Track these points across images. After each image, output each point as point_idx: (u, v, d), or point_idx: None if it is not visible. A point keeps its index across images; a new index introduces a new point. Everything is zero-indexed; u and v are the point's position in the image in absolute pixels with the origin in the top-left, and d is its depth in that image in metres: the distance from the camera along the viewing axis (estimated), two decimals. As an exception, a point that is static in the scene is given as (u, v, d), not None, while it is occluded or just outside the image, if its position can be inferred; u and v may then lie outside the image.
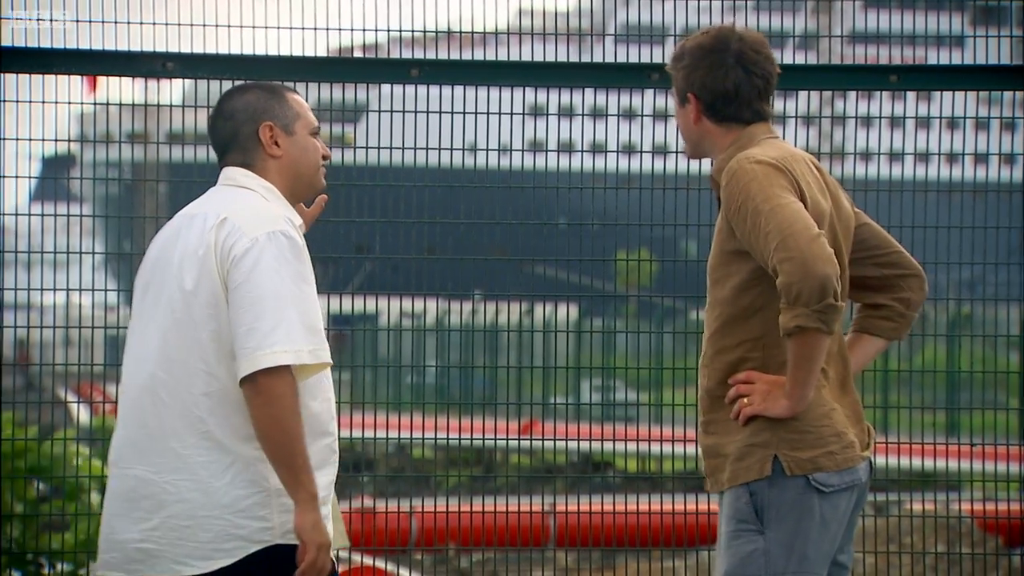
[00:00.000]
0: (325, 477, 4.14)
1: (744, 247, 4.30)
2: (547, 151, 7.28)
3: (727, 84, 4.45)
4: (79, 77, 6.61)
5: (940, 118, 7.19)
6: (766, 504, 4.29)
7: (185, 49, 6.56)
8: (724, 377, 4.37)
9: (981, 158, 7.54)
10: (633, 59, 6.90)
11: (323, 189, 4.36)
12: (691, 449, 7.69)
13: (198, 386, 4.07)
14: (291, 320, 4.00)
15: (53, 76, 6.53)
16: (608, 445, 7.41)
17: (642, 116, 7.15)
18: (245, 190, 4.24)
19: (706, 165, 5.01)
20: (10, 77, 6.50)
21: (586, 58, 7.02)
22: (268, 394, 3.97)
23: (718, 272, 4.40)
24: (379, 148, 6.80)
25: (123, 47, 6.52)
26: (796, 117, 7.22)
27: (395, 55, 7.37)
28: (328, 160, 4.37)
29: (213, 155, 7.05)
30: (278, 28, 6.64)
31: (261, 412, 3.99)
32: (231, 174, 4.30)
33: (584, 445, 7.48)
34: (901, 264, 4.57)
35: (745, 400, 4.32)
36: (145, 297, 4.23)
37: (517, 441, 7.57)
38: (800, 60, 7.49)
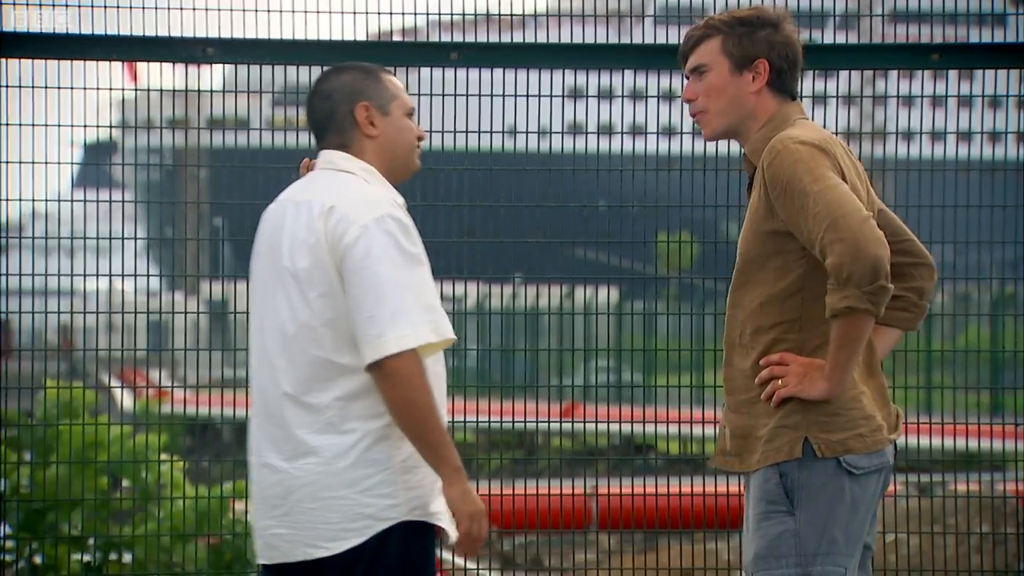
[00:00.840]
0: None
1: (784, 227, 4.27)
2: (587, 133, 7.27)
3: (796, 54, 4.44)
4: (119, 63, 6.64)
5: (983, 97, 7.15)
6: (797, 485, 4.28)
7: (225, 34, 6.57)
8: (758, 358, 4.36)
9: (1023, 137, 7.49)
10: (673, 40, 6.88)
11: (418, 170, 4.38)
12: (733, 431, 7.66)
13: (318, 372, 4.11)
14: (409, 302, 4.04)
15: (94, 62, 6.55)
16: (649, 427, 7.40)
17: (682, 97, 7.12)
18: (346, 174, 4.26)
19: (736, 147, 4.98)
20: (51, 64, 6.53)
21: (625, 40, 7.00)
22: (397, 377, 4.02)
23: (753, 252, 4.38)
24: (419, 132, 6.79)
25: (163, 32, 6.54)
26: (837, 97, 7.19)
27: (434, 39, 7.37)
28: (423, 140, 4.38)
29: (254, 139, 7.07)
30: (317, 12, 6.65)
31: (393, 395, 4.04)
32: (331, 157, 4.31)
33: (625, 428, 7.47)
34: (913, 252, 4.54)
35: (780, 382, 4.31)
36: (260, 287, 4.27)
37: (559, 424, 7.57)
38: (840, 39, 7.45)
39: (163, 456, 7.54)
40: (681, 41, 4.53)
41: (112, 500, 7.42)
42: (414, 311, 4.04)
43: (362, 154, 4.29)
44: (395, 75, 4.39)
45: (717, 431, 4.52)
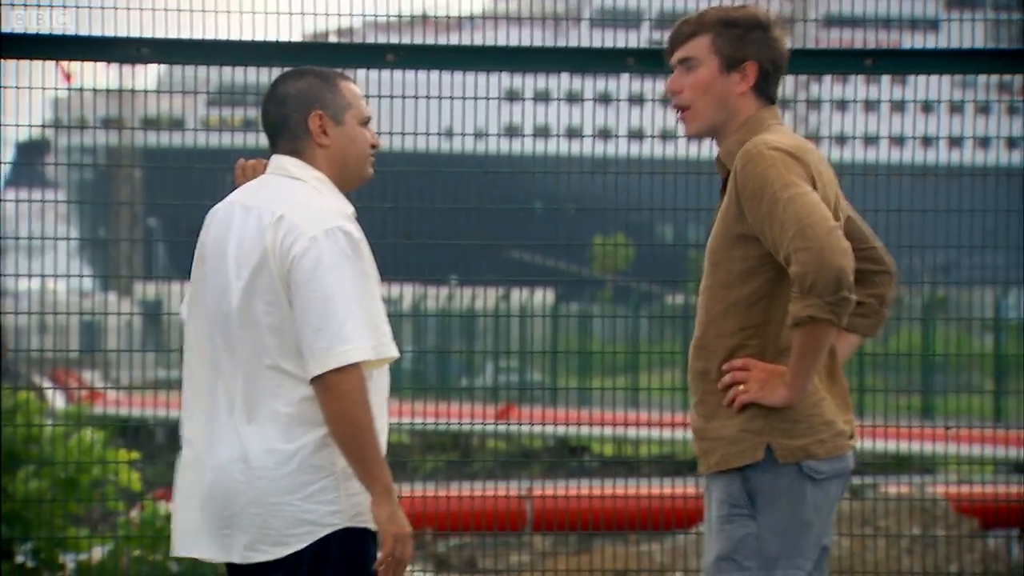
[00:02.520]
0: None
1: (753, 232, 4.29)
2: (523, 136, 7.28)
3: (783, 59, 4.45)
4: (53, 63, 6.59)
5: (915, 102, 7.21)
6: (759, 489, 4.31)
7: (160, 34, 6.54)
8: (721, 362, 4.37)
9: (955, 142, 7.56)
10: (609, 44, 6.90)
11: (371, 178, 4.36)
12: (667, 433, 7.70)
13: (261, 378, 4.11)
14: (356, 318, 4.03)
15: (27, 61, 6.51)
16: (585, 429, 7.42)
17: (618, 101, 7.15)
18: (297, 181, 4.24)
19: (681, 149, 5.00)
20: (-16, 63, 6.47)
21: (562, 43, 7.01)
22: (337, 391, 4.03)
23: (720, 255, 4.38)
24: (355, 133, 6.77)
25: (97, 32, 6.50)
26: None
27: (370, 40, 7.36)
28: (377, 148, 4.36)
29: (188, 140, 7.04)
30: (253, 13, 6.62)
31: (332, 409, 4.04)
32: (282, 163, 4.28)
33: (561, 429, 7.48)
34: (877, 260, 4.57)
35: (741, 387, 4.33)
36: (203, 290, 4.24)
37: (494, 426, 7.58)
38: (775, 44, 7.48)
39: (111, 455, 7.46)
40: (670, 34, 4.52)
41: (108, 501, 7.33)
42: (359, 326, 4.04)
43: (314, 161, 4.27)
44: (353, 82, 4.36)
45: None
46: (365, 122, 4.33)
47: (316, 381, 4.05)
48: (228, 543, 4.14)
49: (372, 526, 4.12)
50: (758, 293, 4.34)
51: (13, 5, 6.50)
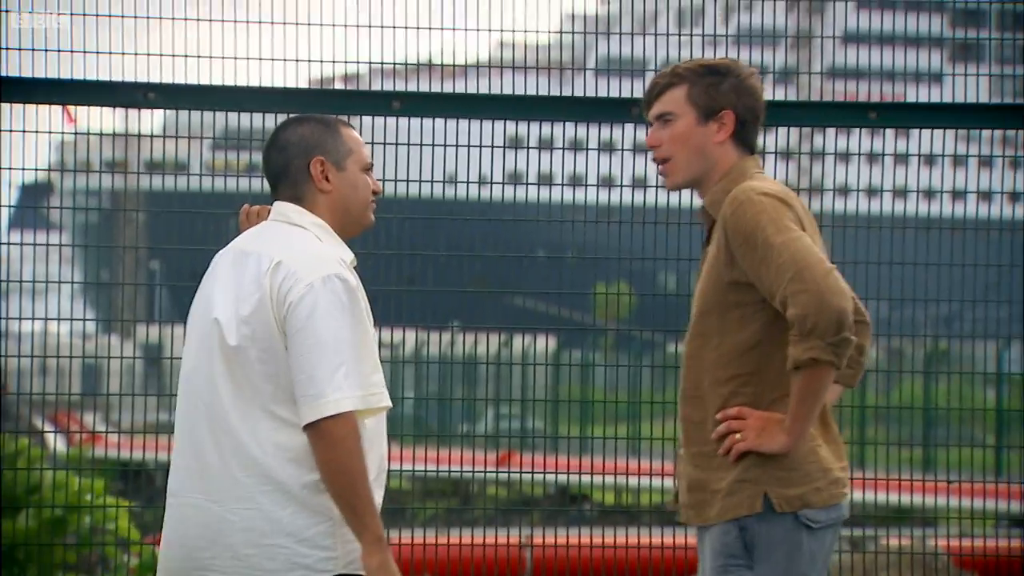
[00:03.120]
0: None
1: (745, 279, 4.28)
2: (527, 183, 7.29)
3: (760, 107, 4.46)
4: (59, 106, 6.61)
5: (918, 155, 7.22)
6: (756, 540, 4.29)
7: (166, 79, 6.56)
8: (715, 411, 4.36)
9: (959, 195, 7.57)
10: (613, 93, 6.92)
11: (372, 225, 4.36)
12: (668, 482, 7.67)
13: (256, 422, 4.10)
14: (349, 365, 4.03)
15: (33, 105, 6.53)
16: (585, 478, 7.40)
17: (622, 149, 7.17)
18: (298, 228, 4.24)
19: (685, 198, 5.00)
20: (-10, 105, 6.49)
21: (566, 91, 7.04)
22: (331, 439, 4.02)
23: (710, 303, 4.37)
24: (359, 179, 6.78)
25: (104, 77, 6.52)
26: (776, 152, 7.25)
27: (375, 87, 7.38)
28: (379, 195, 4.37)
29: (193, 184, 7.06)
30: (260, 59, 6.65)
31: (325, 456, 4.04)
32: (283, 210, 4.28)
33: (561, 477, 7.46)
34: (855, 311, 4.57)
35: (738, 436, 4.31)
36: (199, 331, 4.24)
37: (495, 473, 7.56)
38: (779, 96, 7.51)
39: (108, 500, 7.45)
40: (647, 88, 4.53)
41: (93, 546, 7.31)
42: (353, 374, 4.03)
43: (315, 208, 4.28)
44: (355, 129, 4.36)
45: (676, 483, 4.52)
46: (367, 169, 4.34)
47: (309, 428, 4.04)
48: None
49: (364, 573, 4.10)
50: (752, 340, 4.32)
51: (20, 49, 6.53)
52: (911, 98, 7.42)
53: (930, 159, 7.19)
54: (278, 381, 4.09)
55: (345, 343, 4.05)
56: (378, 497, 4.18)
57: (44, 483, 7.22)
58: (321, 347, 4.04)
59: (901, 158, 7.42)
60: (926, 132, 7.01)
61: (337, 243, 4.27)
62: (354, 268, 4.23)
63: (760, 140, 4.59)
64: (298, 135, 4.28)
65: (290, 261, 4.12)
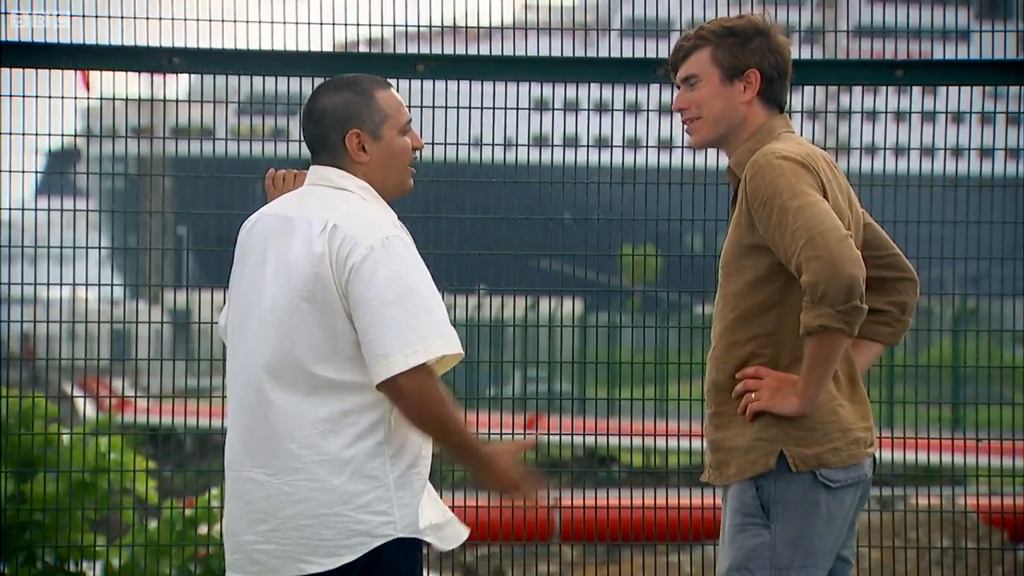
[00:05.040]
0: (421, 474, 4.21)
1: (764, 242, 4.28)
2: (552, 146, 7.28)
3: (787, 64, 4.44)
4: (81, 72, 6.62)
5: (946, 113, 7.19)
6: (773, 498, 4.29)
7: (191, 44, 6.56)
8: (734, 371, 4.37)
9: (986, 153, 7.54)
10: (638, 54, 6.90)
11: (410, 190, 4.36)
12: (695, 444, 7.68)
13: (312, 389, 4.10)
14: (416, 321, 4.05)
15: (60, 71, 6.53)
16: (613, 440, 7.41)
17: (647, 111, 7.15)
18: (343, 192, 4.23)
19: (711, 159, 4.99)
20: (16, 72, 6.50)
21: (591, 53, 7.02)
22: (410, 395, 4.06)
23: (732, 265, 4.38)
24: (384, 143, 6.78)
25: (128, 42, 6.52)
26: (802, 112, 7.22)
27: (400, 50, 7.37)
28: (420, 149, 4.35)
29: (219, 149, 7.06)
30: (284, 23, 6.64)
31: (409, 413, 4.09)
32: (325, 174, 4.26)
33: (589, 440, 7.47)
34: (897, 267, 4.56)
35: (753, 395, 4.32)
36: (244, 300, 4.23)
37: (523, 435, 7.57)
38: (805, 55, 7.48)
39: (128, 461, 7.48)
40: (671, 51, 4.52)
41: (112, 510, 7.34)
42: (422, 327, 4.05)
43: (356, 174, 4.27)
44: (391, 87, 4.33)
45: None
46: (405, 130, 4.31)
47: (384, 387, 4.05)
48: (273, 556, 4.13)
49: (421, 536, 4.12)
50: (770, 301, 4.33)
51: (45, 15, 6.53)
52: (938, 55, 7.38)
53: (957, 116, 7.15)
54: (335, 344, 4.08)
55: (408, 302, 4.05)
56: (424, 473, 4.20)
57: (62, 445, 7.25)
58: (386, 308, 4.04)
59: (928, 116, 7.39)
60: (953, 90, 6.97)
61: (382, 205, 4.27)
62: (405, 230, 4.24)
63: (787, 99, 4.57)
64: (332, 105, 4.24)
65: (346, 225, 4.11)
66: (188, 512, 7.32)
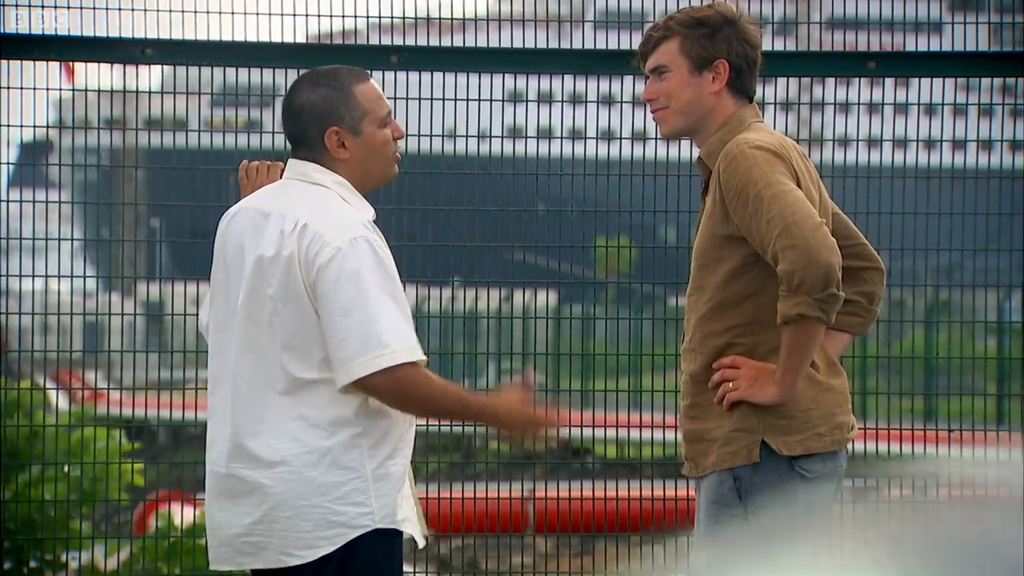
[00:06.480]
0: (399, 466, 4.20)
1: (739, 232, 4.28)
2: (526, 137, 7.28)
3: (756, 55, 4.45)
4: (56, 63, 6.59)
5: (918, 104, 7.21)
6: (750, 489, 4.30)
7: (163, 35, 6.54)
8: (710, 362, 4.37)
9: (959, 144, 7.56)
10: (612, 45, 6.90)
11: (395, 177, 4.35)
12: (670, 435, 7.69)
13: (287, 384, 4.11)
14: (376, 327, 4.05)
15: (31, 62, 6.51)
16: (587, 431, 7.42)
17: (621, 102, 7.15)
18: (319, 187, 4.23)
19: (685, 151, 4.99)
20: (-13, 63, 6.47)
21: (565, 44, 7.01)
22: (384, 392, 4.08)
23: (707, 256, 4.38)
24: (358, 134, 6.77)
25: (101, 33, 6.50)
26: (775, 103, 7.23)
27: (374, 41, 7.36)
28: (401, 137, 4.33)
29: (192, 140, 7.04)
30: (257, 14, 6.63)
31: (392, 405, 4.11)
32: (303, 169, 4.27)
33: (563, 431, 7.47)
34: (865, 256, 4.57)
35: (730, 385, 4.32)
36: (223, 295, 4.24)
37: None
38: (778, 46, 7.49)
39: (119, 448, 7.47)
40: (640, 41, 4.53)
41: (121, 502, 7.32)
42: (382, 332, 4.05)
43: (335, 169, 4.26)
44: (370, 78, 4.31)
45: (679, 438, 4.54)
46: (385, 122, 4.30)
47: (356, 387, 4.05)
48: (259, 548, 4.13)
49: (399, 527, 4.13)
50: (746, 291, 4.34)
51: (17, 5, 6.51)
52: (911, 47, 7.40)
53: (930, 108, 7.17)
54: (306, 341, 4.09)
55: (374, 305, 4.05)
56: (402, 465, 4.19)
57: (47, 437, 7.22)
58: (351, 310, 4.05)
59: (901, 108, 7.41)
60: (926, 81, 6.99)
61: (360, 202, 4.26)
62: (376, 228, 4.23)
63: (759, 91, 4.58)
64: (310, 103, 4.23)
65: (315, 224, 4.11)
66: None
